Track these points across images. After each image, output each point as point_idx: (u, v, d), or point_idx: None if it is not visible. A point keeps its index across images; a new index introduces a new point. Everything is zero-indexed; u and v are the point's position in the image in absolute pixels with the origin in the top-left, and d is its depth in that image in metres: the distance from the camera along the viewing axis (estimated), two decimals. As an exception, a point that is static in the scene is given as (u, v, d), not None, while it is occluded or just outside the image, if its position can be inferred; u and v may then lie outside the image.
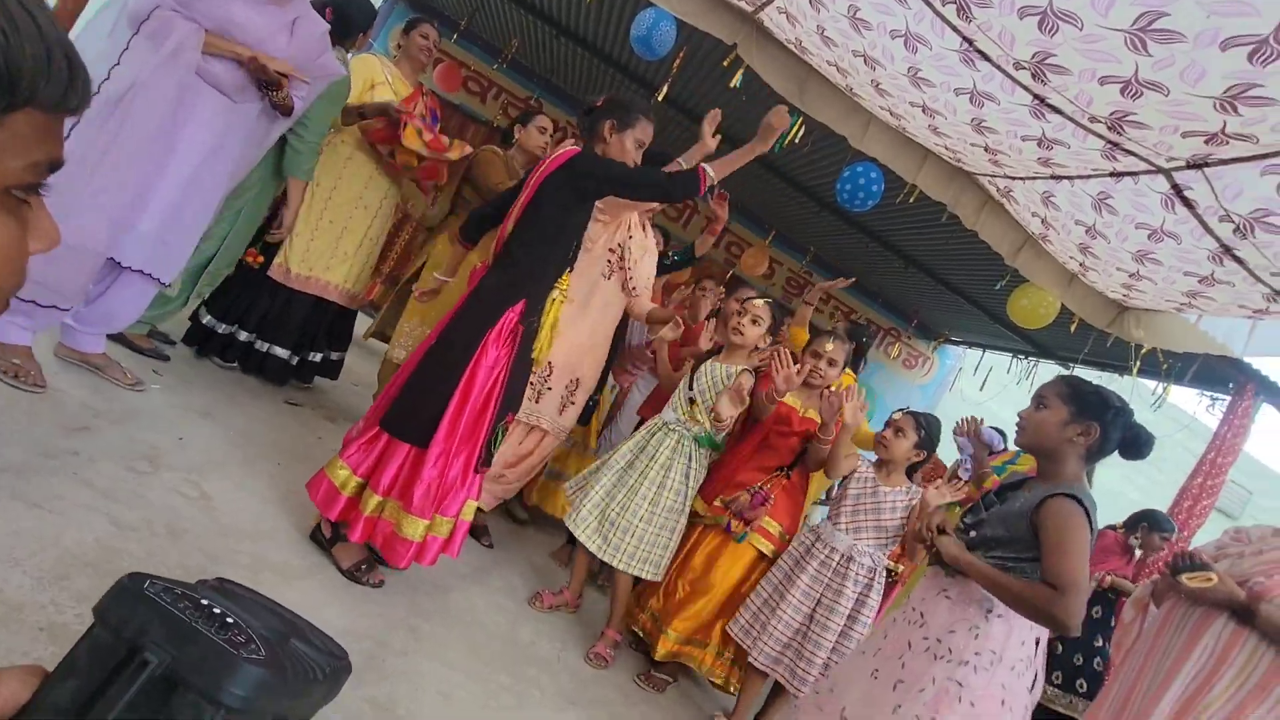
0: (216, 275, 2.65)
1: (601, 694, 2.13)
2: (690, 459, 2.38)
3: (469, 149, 3.01)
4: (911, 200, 3.69)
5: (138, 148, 1.88)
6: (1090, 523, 1.53)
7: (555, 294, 2.01)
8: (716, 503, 2.42)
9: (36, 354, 2.01)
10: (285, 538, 1.96)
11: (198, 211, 2.06)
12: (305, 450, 2.56)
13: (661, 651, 2.30)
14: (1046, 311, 3.84)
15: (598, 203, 2.42)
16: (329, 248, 2.90)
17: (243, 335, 2.88)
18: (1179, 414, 4.63)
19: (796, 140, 3.72)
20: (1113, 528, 3.74)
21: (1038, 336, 4.96)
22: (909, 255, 5.42)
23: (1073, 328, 4.00)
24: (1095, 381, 1.73)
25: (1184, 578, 1.73)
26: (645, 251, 2.67)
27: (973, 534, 1.70)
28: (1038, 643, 1.61)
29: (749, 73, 3.41)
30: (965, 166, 3.39)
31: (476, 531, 2.60)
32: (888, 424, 2.35)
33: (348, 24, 2.63)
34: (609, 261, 2.55)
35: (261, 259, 2.76)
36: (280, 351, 2.94)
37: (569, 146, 2.05)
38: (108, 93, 1.78)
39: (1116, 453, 1.69)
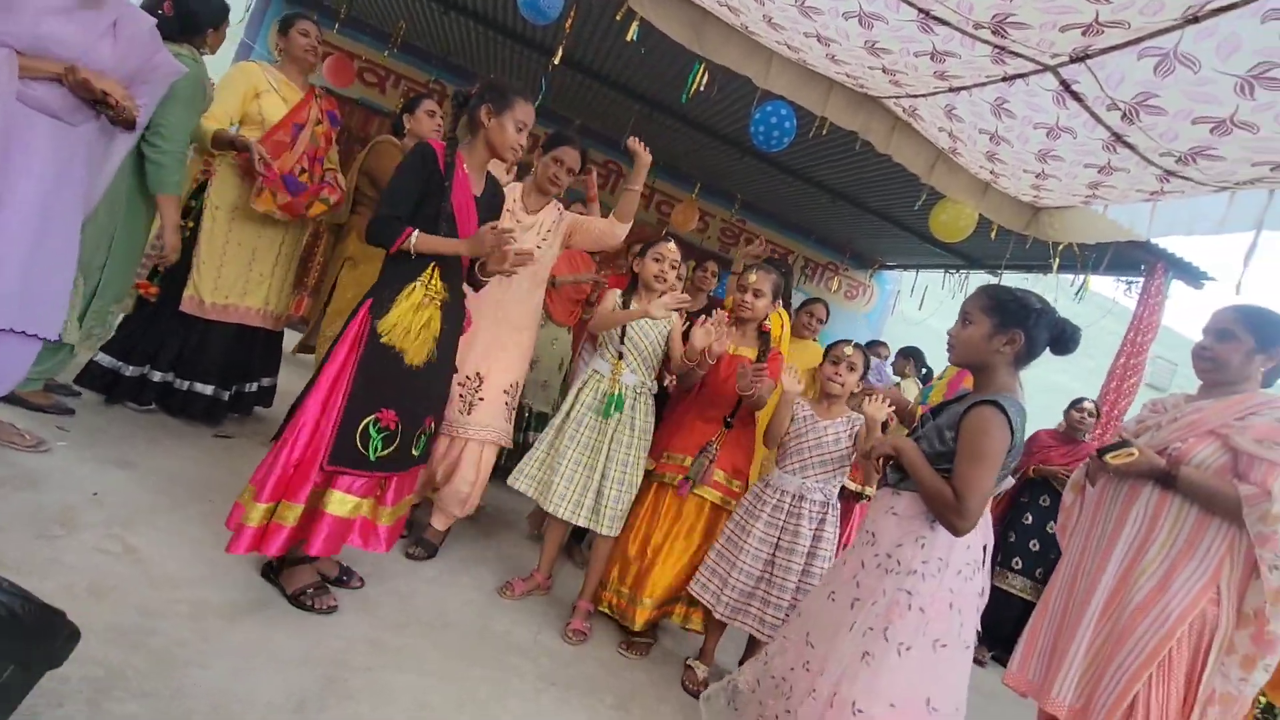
0: (103, 313, 2.46)
1: (583, 670, 2.13)
2: (650, 413, 2.43)
3: (337, 197, 2.81)
4: (824, 133, 3.69)
5: None
6: (1012, 429, 1.57)
7: (417, 287, 1.87)
8: (665, 459, 2.43)
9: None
10: (227, 578, 1.88)
11: (57, 250, 1.88)
12: (240, 483, 2.44)
13: (640, 623, 2.32)
14: (966, 223, 3.93)
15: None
16: (242, 272, 2.74)
17: (156, 376, 2.70)
18: (1101, 300, 4.85)
19: (702, 88, 3.66)
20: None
21: (963, 249, 5.10)
22: (832, 188, 5.47)
23: (993, 235, 4.12)
24: (1023, 283, 1.76)
25: (1108, 458, 1.82)
26: (541, 233, 2.60)
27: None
28: (985, 549, 1.67)
29: (645, 23, 3.32)
30: (869, 91, 3.40)
31: (421, 544, 2.49)
32: (837, 360, 2.36)
33: (191, 19, 2.40)
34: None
35: (156, 289, 2.58)
36: (203, 388, 2.77)
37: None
38: None
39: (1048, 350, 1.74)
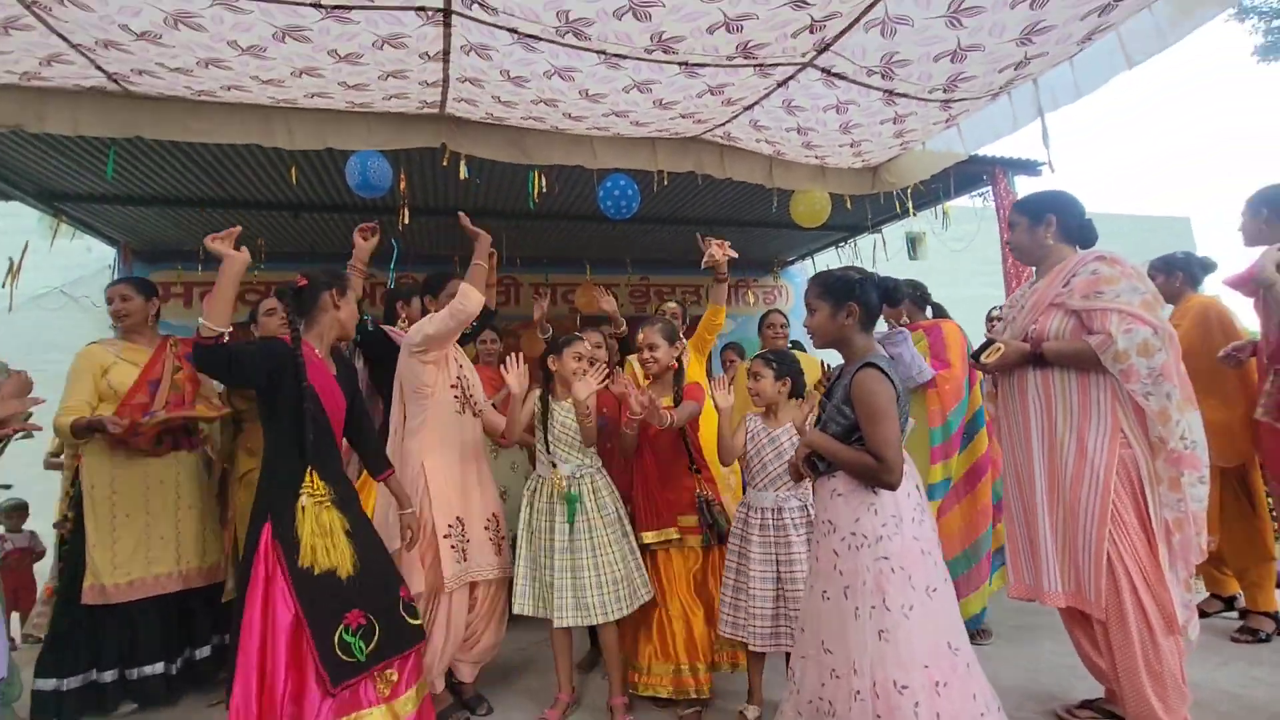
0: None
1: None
2: (605, 488, 2.51)
3: (187, 409, 2.76)
4: (666, 182, 3.99)
5: None
6: (891, 380, 1.73)
7: (304, 500, 1.89)
8: (681, 523, 2.50)
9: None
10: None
11: None
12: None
13: (707, 689, 2.36)
14: (821, 207, 4.24)
15: (417, 351, 2.45)
16: (140, 542, 2.63)
17: (107, 676, 2.57)
18: (970, 214, 5.23)
19: (544, 189, 3.94)
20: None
21: (835, 223, 5.45)
22: (703, 219, 5.80)
23: (849, 205, 4.45)
24: (897, 228, 1.94)
25: (982, 359, 1.99)
26: (473, 371, 2.74)
27: (825, 433, 1.88)
28: (918, 488, 1.79)
29: (470, 159, 3.59)
30: (686, 134, 3.72)
31: (472, 704, 2.49)
32: (748, 375, 2.51)
33: None
34: (456, 398, 2.57)
35: (50, 587, 2.51)
36: (153, 669, 2.64)
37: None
38: None
39: (886, 306, 1.93)
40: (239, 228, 2.00)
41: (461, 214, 2.79)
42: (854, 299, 1.81)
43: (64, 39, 2.44)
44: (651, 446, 2.59)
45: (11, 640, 2.34)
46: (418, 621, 2.05)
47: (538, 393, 2.64)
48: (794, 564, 2.28)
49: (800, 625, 1.89)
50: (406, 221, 3.78)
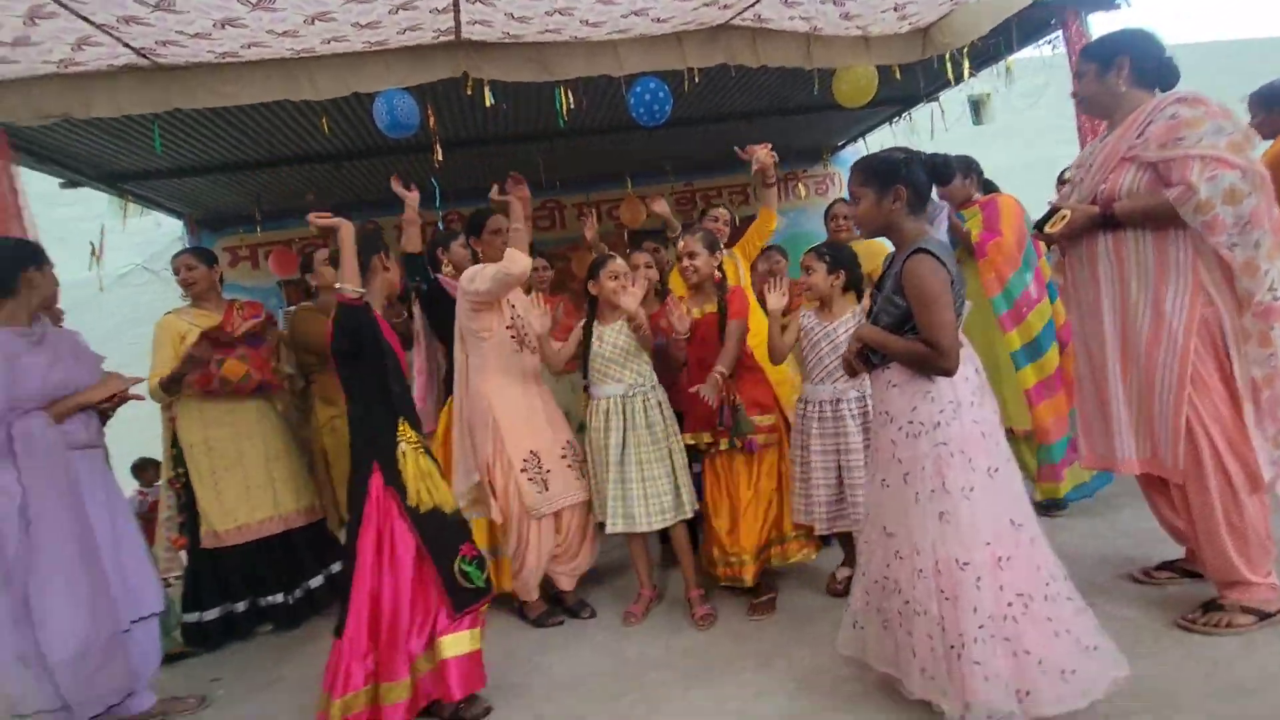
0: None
1: (719, 652, 2.28)
2: (656, 406, 2.61)
3: (252, 320, 2.99)
4: (698, 79, 3.78)
5: (62, 529, 2.02)
6: (943, 263, 1.66)
7: (403, 446, 2.04)
8: (707, 437, 2.56)
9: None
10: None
11: (134, 542, 2.24)
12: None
13: (749, 578, 2.47)
14: (867, 83, 3.94)
15: (472, 301, 2.56)
16: (240, 491, 2.89)
17: (240, 606, 2.95)
18: (1034, 64, 4.71)
19: (572, 105, 3.81)
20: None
21: (886, 97, 5.05)
22: (742, 113, 5.51)
23: (897, 75, 4.10)
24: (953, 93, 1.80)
25: (1047, 230, 1.86)
26: (528, 309, 2.80)
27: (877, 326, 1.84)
28: (977, 371, 1.75)
29: (493, 84, 3.50)
30: (713, 22, 3.49)
31: (575, 610, 2.73)
32: (806, 270, 2.47)
33: None
34: (513, 338, 2.67)
35: (183, 540, 2.86)
36: (275, 599, 3.00)
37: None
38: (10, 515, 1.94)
39: (936, 185, 1.83)
40: (329, 215, 2.17)
41: (495, 189, 2.76)
42: (900, 181, 1.73)
43: (87, 20, 2.48)
44: (698, 354, 2.62)
45: (165, 579, 2.72)
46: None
47: (578, 330, 2.70)
48: (851, 453, 2.34)
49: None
50: (441, 159, 3.76)
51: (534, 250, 3.59)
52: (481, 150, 5.30)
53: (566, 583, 2.74)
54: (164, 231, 6.01)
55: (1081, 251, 1.93)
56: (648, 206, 3.52)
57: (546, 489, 2.61)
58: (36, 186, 3.77)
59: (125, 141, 4.04)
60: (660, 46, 3.58)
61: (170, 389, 2.83)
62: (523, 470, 2.57)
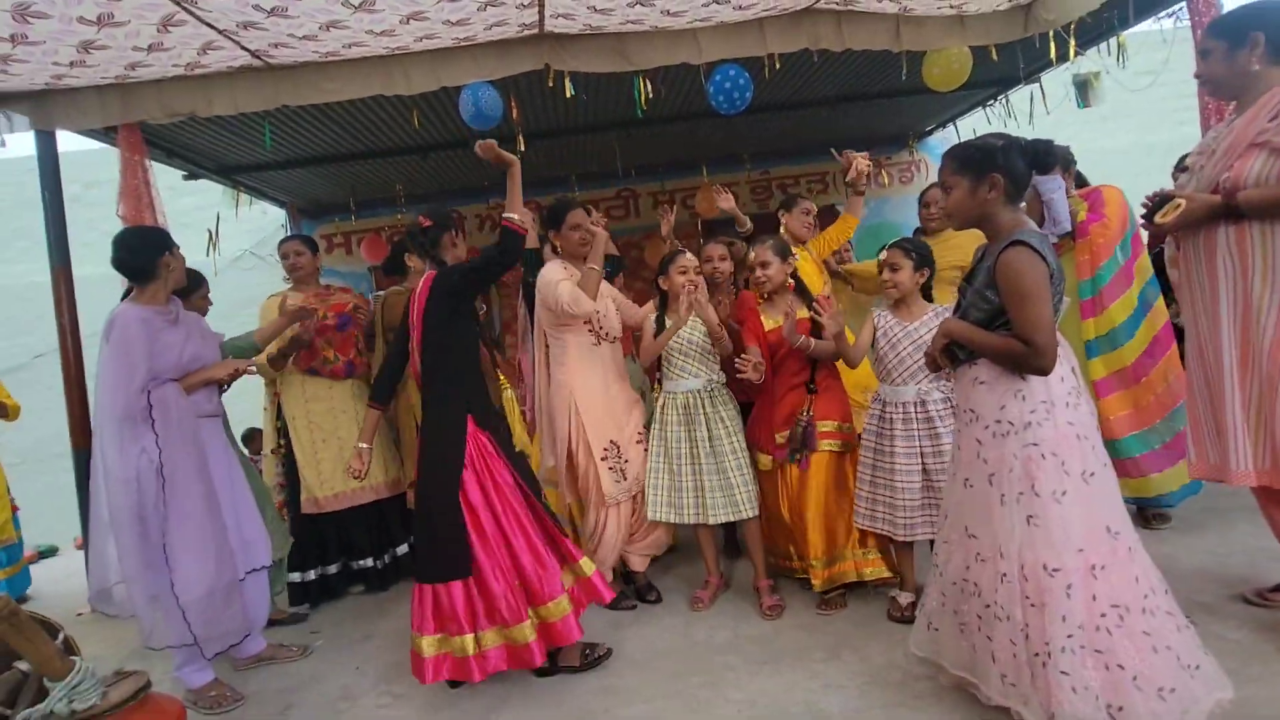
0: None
1: (788, 641, 2.28)
2: (729, 402, 2.64)
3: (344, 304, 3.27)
4: (779, 67, 3.71)
5: (193, 486, 2.28)
6: (1042, 257, 1.58)
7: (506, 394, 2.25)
8: (778, 439, 2.55)
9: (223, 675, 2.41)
10: (473, 689, 2.20)
11: (248, 499, 2.48)
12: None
13: (818, 584, 2.45)
14: (960, 65, 3.75)
15: (546, 325, 2.70)
16: (337, 462, 3.11)
17: (333, 568, 3.20)
18: (1150, 37, 4.32)
19: (650, 94, 3.83)
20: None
21: (983, 78, 4.79)
22: (824, 99, 5.37)
23: (994, 56, 3.88)
24: (1055, 76, 1.70)
25: (1158, 220, 1.74)
26: (604, 299, 2.82)
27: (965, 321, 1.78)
28: (1074, 370, 1.66)
29: (574, 75, 3.57)
30: (794, 6, 3.41)
31: (643, 592, 2.80)
32: (881, 266, 2.40)
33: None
34: (590, 333, 2.74)
35: (279, 501, 3.13)
36: (365, 563, 3.25)
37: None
38: (144, 474, 2.20)
39: (1036, 173, 1.74)
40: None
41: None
42: (997, 169, 1.65)
43: (211, 27, 2.70)
44: (771, 365, 2.60)
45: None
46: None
47: (652, 316, 2.73)
48: (940, 455, 2.25)
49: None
50: (523, 149, 3.87)
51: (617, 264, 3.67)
52: (560, 140, 5.40)
53: (638, 563, 2.81)
54: (270, 219, 6.47)
55: (1199, 245, 1.79)
56: (716, 201, 3.48)
57: (624, 478, 2.69)
58: (163, 179, 4.16)
59: (239, 137, 4.37)
60: (741, 33, 3.54)
61: (276, 365, 3.08)
62: (603, 459, 2.65)
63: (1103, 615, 1.51)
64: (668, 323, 2.67)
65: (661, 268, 2.73)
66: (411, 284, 3.45)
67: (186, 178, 4.98)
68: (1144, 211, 1.79)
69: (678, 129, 5.59)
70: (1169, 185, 2.85)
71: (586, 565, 2.24)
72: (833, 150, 3.14)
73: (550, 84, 3.57)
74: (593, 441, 2.64)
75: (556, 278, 2.63)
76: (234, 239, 6.10)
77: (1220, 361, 1.75)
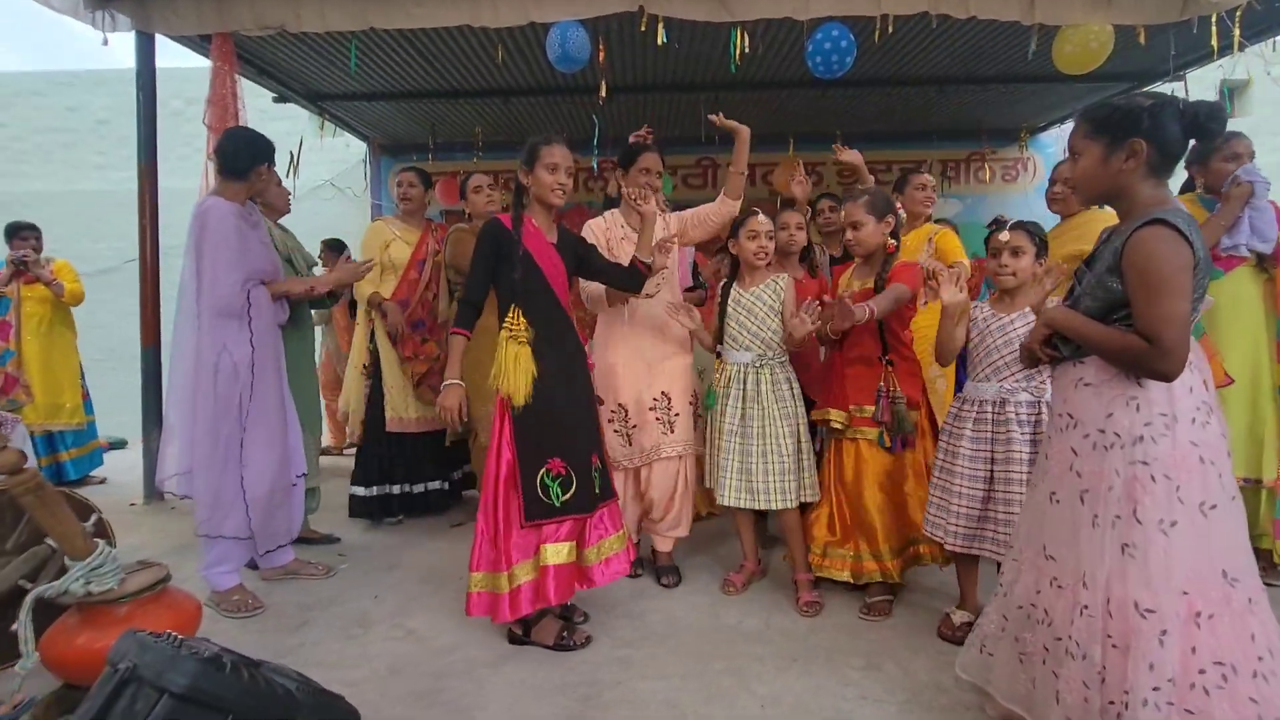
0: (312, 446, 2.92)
1: (823, 641, 2.11)
2: (785, 381, 2.43)
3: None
4: (891, 31, 3.41)
5: (273, 388, 2.41)
6: (1189, 243, 1.33)
7: (503, 334, 2.06)
8: (854, 413, 2.33)
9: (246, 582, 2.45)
10: (489, 639, 2.15)
11: (292, 406, 2.55)
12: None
13: (894, 569, 2.26)
14: (1100, 45, 3.35)
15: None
16: (403, 390, 3.25)
17: (395, 489, 3.27)
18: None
19: (746, 49, 3.59)
20: None
21: (1115, 68, 4.30)
22: (933, 78, 4.97)
23: (1141, 38, 3.46)
24: (1207, 75, 1.50)
25: None
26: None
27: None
28: (1206, 384, 1.41)
29: (668, 22, 3.38)
30: (917, -38, 3.11)
31: (660, 572, 2.64)
32: (996, 251, 2.12)
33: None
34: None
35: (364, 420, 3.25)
36: (435, 485, 3.37)
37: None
38: (238, 368, 2.28)
39: (1191, 143, 1.47)
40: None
41: (716, 116, 2.66)
42: (1141, 133, 1.38)
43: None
44: (855, 338, 2.37)
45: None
46: (602, 487, 2.18)
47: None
48: (1010, 464, 2.00)
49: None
50: (605, 95, 3.71)
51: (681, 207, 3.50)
52: (643, 97, 5.21)
53: (663, 544, 2.66)
54: (351, 153, 6.56)
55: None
56: (839, 155, 3.21)
57: (629, 444, 2.54)
58: (254, 103, 4.22)
59: (327, 61, 4.38)
60: (852, -11, 3.26)
61: (373, 306, 3.21)
62: (609, 421, 2.52)
63: (1202, 672, 1.28)
64: (735, 289, 2.49)
65: (732, 230, 2.52)
66: (476, 227, 3.39)
67: (276, 99, 5.06)
68: None
69: (768, 97, 5.31)
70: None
71: (546, 555, 2.04)
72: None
73: (643, 28, 3.39)
74: (605, 399, 2.52)
75: (589, 241, 2.48)
76: (316, 168, 6.21)
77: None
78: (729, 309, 2.48)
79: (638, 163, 2.62)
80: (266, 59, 4.39)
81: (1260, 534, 2.46)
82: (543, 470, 2.03)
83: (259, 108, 4.78)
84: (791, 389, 2.43)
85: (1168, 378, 1.34)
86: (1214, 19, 3.27)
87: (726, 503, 2.40)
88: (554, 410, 2.07)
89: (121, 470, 4.33)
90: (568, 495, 2.05)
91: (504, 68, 4.48)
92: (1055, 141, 6.57)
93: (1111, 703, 1.32)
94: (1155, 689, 1.28)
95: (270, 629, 2.25)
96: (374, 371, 3.27)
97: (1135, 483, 1.35)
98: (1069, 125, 6.13)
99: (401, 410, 3.23)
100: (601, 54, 3.65)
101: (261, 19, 3.33)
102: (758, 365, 2.40)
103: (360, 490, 3.26)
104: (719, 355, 2.54)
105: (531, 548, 2.03)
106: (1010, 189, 6.60)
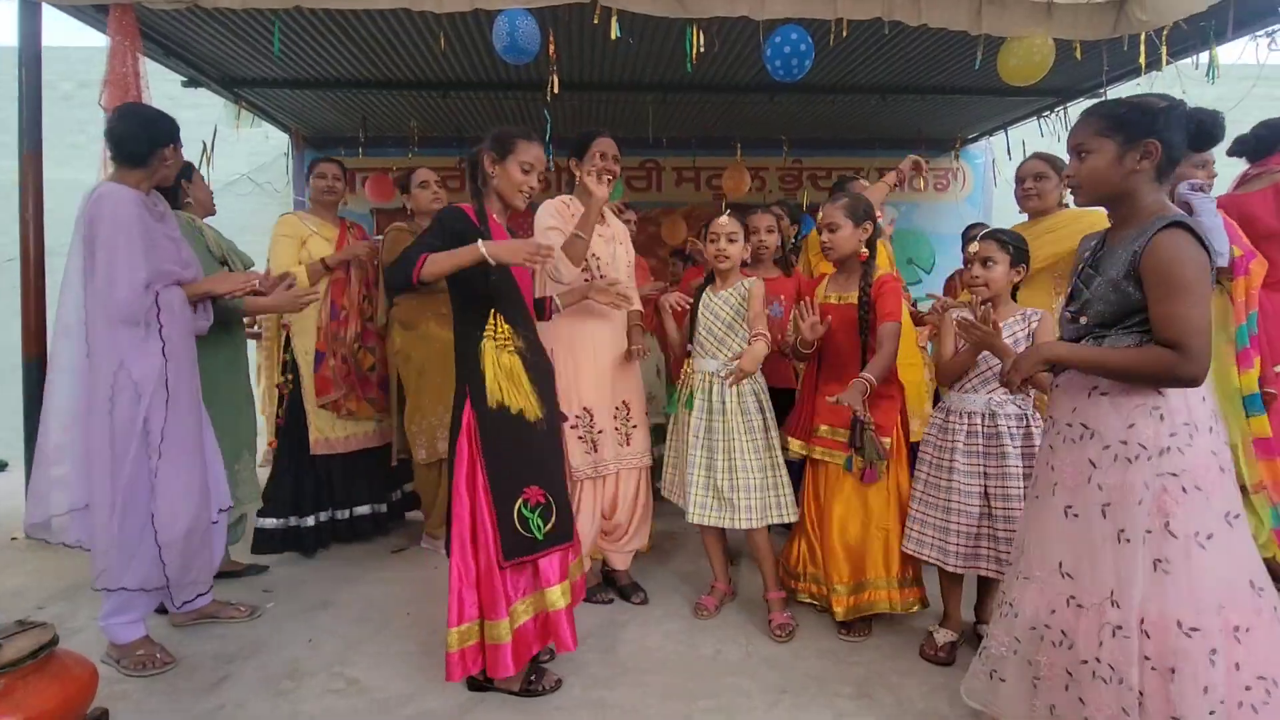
0: (243, 470, 2.56)
1: (809, 668, 2.01)
2: (751, 394, 2.30)
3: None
4: (845, 35, 3.39)
5: (189, 408, 2.03)
6: (1206, 250, 1.30)
7: (485, 342, 1.82)
8: (818, 435, 2.23)
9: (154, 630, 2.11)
10: (444, 686, 1.92)
11: (211, 429, 2.17)
12: (428, 589, 2.56)
13: (840, 611, 2.15)
14: (1042, 57, 3.44)
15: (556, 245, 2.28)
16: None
17: (311, 520, 2.91)
18: (1242, 70, 4.03)
19: (702, 49, 3.49)
20: None
21: (1049, 83, 4.47)
22: (878, 86, 5.04)
23: (1078, 54, 3.58)
24: (1135, 90, 1.50)
25: None
26: (613, 243, 2.52)
27: (1083, 320, 1.48)
28: (1210, 393, 1.39)
29: (623, 14, 3.23)
30: (876, -33, 3.09)
31: (626, 592, 2.50)
32: (970, 261, 2.06)
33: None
34: (586, 280, 2.40)
35: (274, 441, 2.83)
36: (362, 510, 3.03)
37: None
38: (149, 386, 1.91)
39: (1192, 152, 1.46)
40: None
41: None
42: (1154, 134, 1.35)
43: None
44: (833, 348, 2.28)
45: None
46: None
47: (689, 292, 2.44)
48: (1006, 478, 1.95)
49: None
50: (556, 91, 3.53)
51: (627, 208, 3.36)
52: (592, 95, 5.05)
53: (619, 560, 2.52)
54: (271, 145, 6.08)
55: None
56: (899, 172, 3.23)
57: (595, 450, 2.38)
58: (161, 88, 3.79)
59: (246, 43, 3.99)
60: (810, -9, 3.21)
61: (316, 275, 2.87)
62: (573, 426, 2.34)
63: (1247, 689, 1.24)
64: (707, 294, 2.36)
65: (700, 233, 2.42)
66: (416, 226, 3.13)
67: (186, 84, 4.59)
68: None
69: (716, 101, 5.26)
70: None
71: (558, 596, 1.85)
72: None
73: (595, 21, 3.22)
74: (568, 402, 2.31)
75: (547, 224, 2.35)
76: (232, 160, 5.71)
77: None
78: (699, 313, 2.36)
79: (594, 146, 2.47)
80: (176, 38, 3.96)
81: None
82: (519, 501, 1.81)
83: (166, 93, 4.31)
84: (759, 402, 2.30)
85: (1195, 383, 1.32)
86: (1143, 37, 3.41)
87: (694, 520, 2.26)
88: (532, 431, 1.85)
89: (0, 497, 3.78)
90: (549, 525, 1.84)
91: (445, 58, 4.22)
92: (984, 152, 6.85)
93: None
94: (1211, 713, 1.23)
95: (183, 688, 1.94)
96: (293, 388, 2.93)
97: (1165, 495, 1.31)
98: (998, 136, 6.41)
99: (327, 430, 2.91)
100: (552, 46, 3.46)
101: (170, -9, 2.96)
102: (723, 375, 2.27)
103: (270, 522, 2.85)
104: (689, 356, 2.40)
105: (525, 588, 1.82)
106: (942, 198, 6.83)
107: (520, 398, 1.82)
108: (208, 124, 4.81)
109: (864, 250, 2.24)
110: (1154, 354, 1.32)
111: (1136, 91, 4.98)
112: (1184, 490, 1.30)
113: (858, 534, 2.17)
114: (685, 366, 2.41)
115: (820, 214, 2.28)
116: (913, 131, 6.23)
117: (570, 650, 1.85)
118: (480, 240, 1.77)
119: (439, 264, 1.74)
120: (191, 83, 4.55)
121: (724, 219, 2.34)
